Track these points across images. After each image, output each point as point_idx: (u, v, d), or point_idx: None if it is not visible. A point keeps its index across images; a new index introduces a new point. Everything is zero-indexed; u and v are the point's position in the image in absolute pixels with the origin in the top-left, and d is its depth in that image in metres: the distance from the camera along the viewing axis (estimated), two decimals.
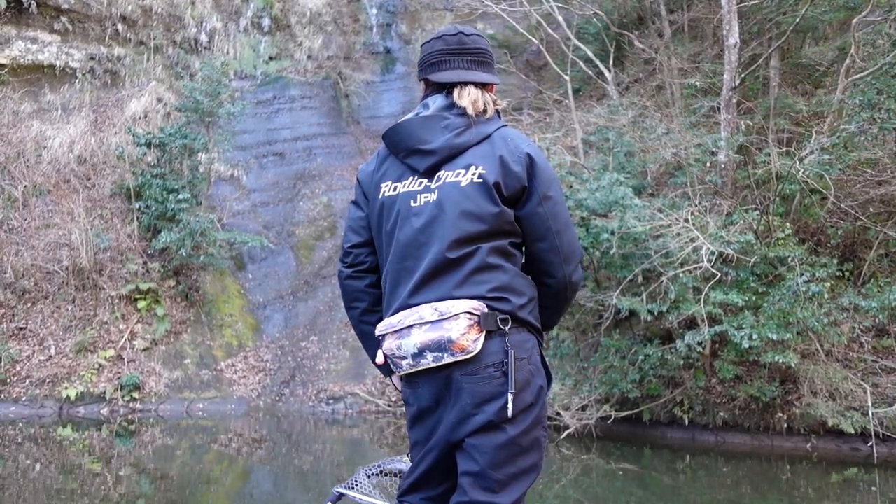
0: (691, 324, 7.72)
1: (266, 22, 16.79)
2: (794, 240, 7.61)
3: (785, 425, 7.64)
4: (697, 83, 8.83)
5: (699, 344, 7.42)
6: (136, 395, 10.15)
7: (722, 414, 8.03)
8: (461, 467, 1.84)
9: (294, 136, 15.40)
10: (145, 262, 11.46)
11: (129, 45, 14.89)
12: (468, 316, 1.78)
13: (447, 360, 1.79)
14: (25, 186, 11.68)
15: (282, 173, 14.65)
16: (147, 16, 15.23)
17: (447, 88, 1.98)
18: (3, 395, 9.74)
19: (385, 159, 2.03)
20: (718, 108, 8.61)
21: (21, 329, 10.30)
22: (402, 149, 1.96)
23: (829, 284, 7.12)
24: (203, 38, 15.85)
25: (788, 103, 8.73)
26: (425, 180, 1.92)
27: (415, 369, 1.85)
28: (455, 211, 1.85)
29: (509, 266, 1.89)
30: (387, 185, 1.98)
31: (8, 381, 9.82)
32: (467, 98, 1.94)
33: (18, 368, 9.98)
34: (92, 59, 14.28)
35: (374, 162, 2.06)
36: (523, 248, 1.99)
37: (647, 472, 7.22)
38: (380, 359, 1.97)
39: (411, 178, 1.94)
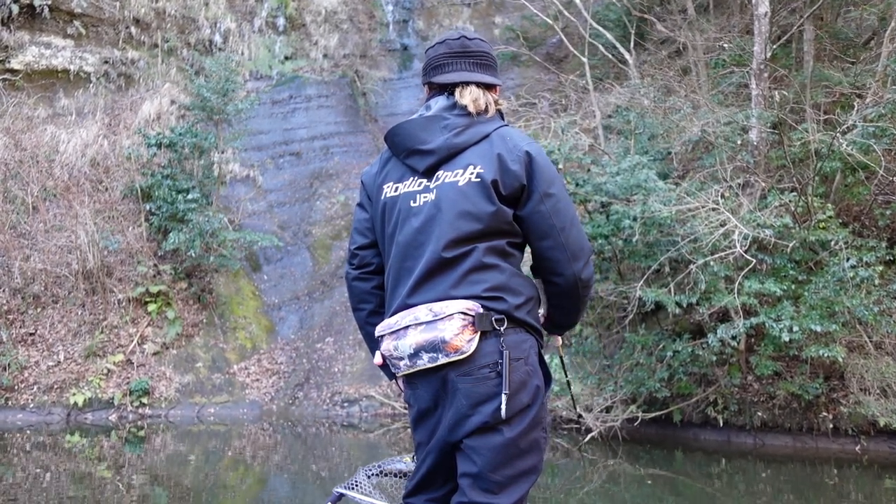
0: (724, 316, 7.23)
1: (281, 21, 16.65)
2: (837, 222, 7.00)
3: (830, 425, 7.17)
4: (726, 46, 8.23)
5: (733, 338, 6.95)
6: (145, 400, 9.94)
7: (760, 414, 7.53)
8: (460, 468, 1.84)
9: (311, 136, 15.22)
10: (156, 265, 11.29)
11: (142, 48, 14.83)
12: (462, 316, 1.77)
13: (442, 360, 1.78)
14: (39, 190, 11.61)
15: (298, 173, 14.47)
16: (160, 18, 15.16)
17: (449, 89, 1.99)
18: (10, 402, 9.61)
19: (387, 161, 2.04)
20: (749, 82, 8.02)
21: (30, 335, 10.18)
22: (403, 149, 1.97)
23: (879, 269, 6.50)
24: (217, 39, 15.75)
25: (825, 75, 8.09)
26: (424, 180, 1.93)
27: (412, 370, 1.85)
28: (452, 211, 1.85)
29: (506, 266, 1.87)
30: (389, 187, 1.99)
31: (16, 387, 9.69)
32: (468, 97, 1.95)
33: (27, 375, 9.85)
34: (106, 62, 14.24)
35: (377, 164, 2.07)
36: (525, 248, 1.98)
37: (679, 478, 6.71)
38: (378, 359, 1.97)
39: (411, 178, 1.95)
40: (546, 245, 1.90)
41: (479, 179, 1.86)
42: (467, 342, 1.76)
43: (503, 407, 1.74)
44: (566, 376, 2.59)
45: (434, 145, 1.91)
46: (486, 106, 1.96)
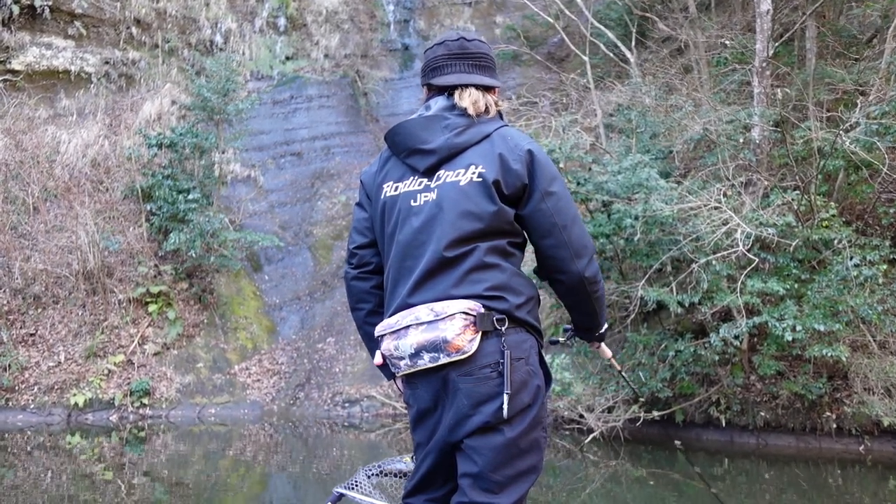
0: (726, 316, 7.16)
1: (282, 22, 16.61)
2: (840, 221, 6.94)
3: (834, 425, 7.11)
4: (728, 43, 8.17)
5: (736, 338, 6.87)
6: (145, 400, 9.91)
7: (763, 414, 7.46)
8: (460, 468, 1.84)
9: (312, 136, 15.19)
10: (156, 265, 11.26)
11: (143, 49, 14.80)
12: (463, 316, 1.77)
13: (443, 360, 1.78)
14: (41, 191, 11.59)
15: (299, 173, 14.45)
16: (161, 18, 15.13)
17: (448, 91, 1.99)
18: (10, 403, 9.58)
19: (387, 160, 2.04)
20: (751, 80, 7.96)
21: (31, 335, 10.15)
22: (403, 149, 1.97)
23: (882, 268, 6.44)
24: (218, 39, 15.72)
25: (828, 73, 8.03)
26: (425, 180, 1.92)
27: (412, 370, 1.85)
28: (454, 210, 1.85)
29: (507, 265, 1.87)
30: (389, 186, 1.98)
31: (16, 388, 9.65)
32: (468, 99, 1.95)
33: (27, 375, 9.81)
34: (107, 63, 14.22)
35: (377, 163, 2.07)
36: (525, 248, 1.98)
37: (682, 478, 6.65)
38: (378, 359, 1.97)
39: (412, 178, 1.95)
40: (548, 243, 1.89)
41: (480, 179, 1.85)
42: (469, 342, 1.76)
43: (505, 407, 1.75)
44: (634, 390, 2.64)
45: (435, 145, 1.91)
46: (486, 107, 1.97)
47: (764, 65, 7.74)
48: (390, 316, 1.90)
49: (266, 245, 11.87)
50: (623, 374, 2.78)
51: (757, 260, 6.69)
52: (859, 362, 6.81)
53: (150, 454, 8.09)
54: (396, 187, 1.97)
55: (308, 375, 10.99)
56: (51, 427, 9.38)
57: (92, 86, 13.83)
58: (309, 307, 12.27)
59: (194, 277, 11.51)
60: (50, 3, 13.38)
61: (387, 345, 1.88)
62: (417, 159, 1.94)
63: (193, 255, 10.86)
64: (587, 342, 2.22)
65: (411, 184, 1.94)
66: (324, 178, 14.41)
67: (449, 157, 1.91)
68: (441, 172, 1.91)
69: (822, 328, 6.32)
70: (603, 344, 2.26)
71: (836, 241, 6.71)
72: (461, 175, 1.88)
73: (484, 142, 1.91)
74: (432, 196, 1.89)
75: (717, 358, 7.23)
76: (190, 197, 10.98)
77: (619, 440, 7.78)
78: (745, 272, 6.71)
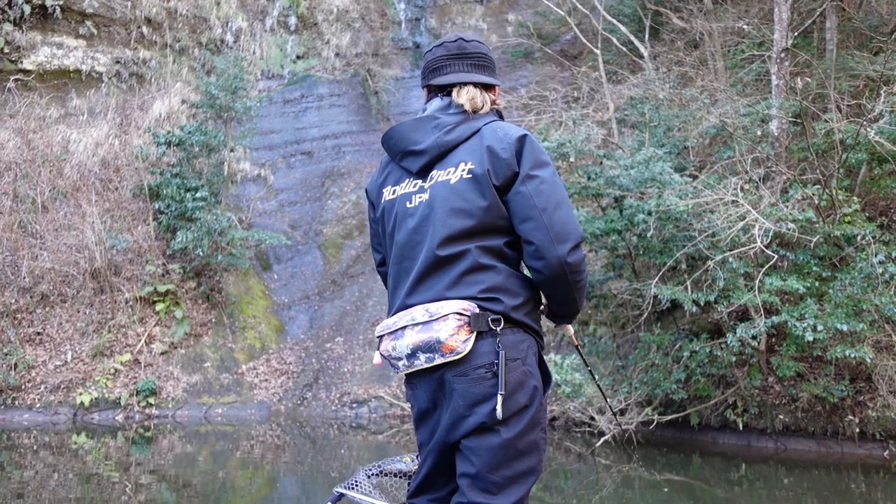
0: (744, 315, 6.94)
1: (292, 21, 16.59)
2: (863, 216, 6.68)
3: (857, 429, 6.86)
4: (746, 27, 7.93)
5: (753, 338, 6.67)
6: (152, 400, 9.84)
7: (782, 417, 7.22)
8: (459, 469, 1.85)
9: (322, 135, 15.15)
10: (164, 264, 11.20)
11: (154, 48, 14.82)
12: (457, 317, 1.78)
13: (438, 360, 1.80)
14: (51, 190, 11.60)
15: (310, 172, 14.40)
16: (172, 18, 15.15)
17: (446, 90, 2.00)
18: (17, 402, 9.56)
19: (387, 165, 2.08)
20: (770, 68, 7.72)
21: (38, 334, 10.14)
22: (397, 152, 2.00)
23: None
24: (229, 38, 15.72)
25: (850, 64, 7.77)
26: (419, 181, 1.95)
27: (410, 370, 1.87)
28: (445, 209, 1.86)
29: (503, 266, 1.86)
30: (388, 190, 2.02)
31: (23, 387, 9.64)
32: (465, 96, 1.96)
33: (34, 374, 9.80)
34: (117, 62, 14.25)
35: (379, 170, 2.11)
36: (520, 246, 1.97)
37: (697, 483, 6.44)
38: (377, 359, 2.01)
39: (407, 180, 1.98)
40: (528, 227, 1.84)
41: (470, 175, 1.86)
42: (462, 342, 1.76)
43: (499, 407, 1.74)
44: (586, 365, 2.53)
45: (425, 145, 1.93)
46: (483, 104, 1.97)
47: (783, 55, 7.49)
48: (390, 317, 1.92)
49: (275, 244, 11.80)
50: (580, 351, 2.65)
51: (776, 257, 6.46)
52: (884, 364, 6.57)
53: (156, 454, 8.02)
54: (394, 191, 1.99)
55: (316, 375, 10.88)
56: (56, 426, 9.34)
57: (103, 85, 13.87)
58: (318, 306, 12.18)
59: (202, 276, 11.45)
60: (61, 3, 13.42)
61: (385, 345, 1.89)
62: (410, 161, 1.96)
63: (201, 253, 10.80)
64: (555, 324, 2.13)
65: (407, 186, 1.96)
66: (334, 176, 14.35)
67: (440, 156, 1.91)
68: (434, 172, 1.92)
69: (844, 328, 6.10)
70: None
71: (859, 238, 6.47)
72: (451, 174, 1.88)
73: (474, 137, 1.91)
74: (425, 197, 1.91)
75: (733, 359, 7.04)
76: (198, 195, 10.92)
77: (631, 444, 7.58)
78: (764, 270, 6.49)
